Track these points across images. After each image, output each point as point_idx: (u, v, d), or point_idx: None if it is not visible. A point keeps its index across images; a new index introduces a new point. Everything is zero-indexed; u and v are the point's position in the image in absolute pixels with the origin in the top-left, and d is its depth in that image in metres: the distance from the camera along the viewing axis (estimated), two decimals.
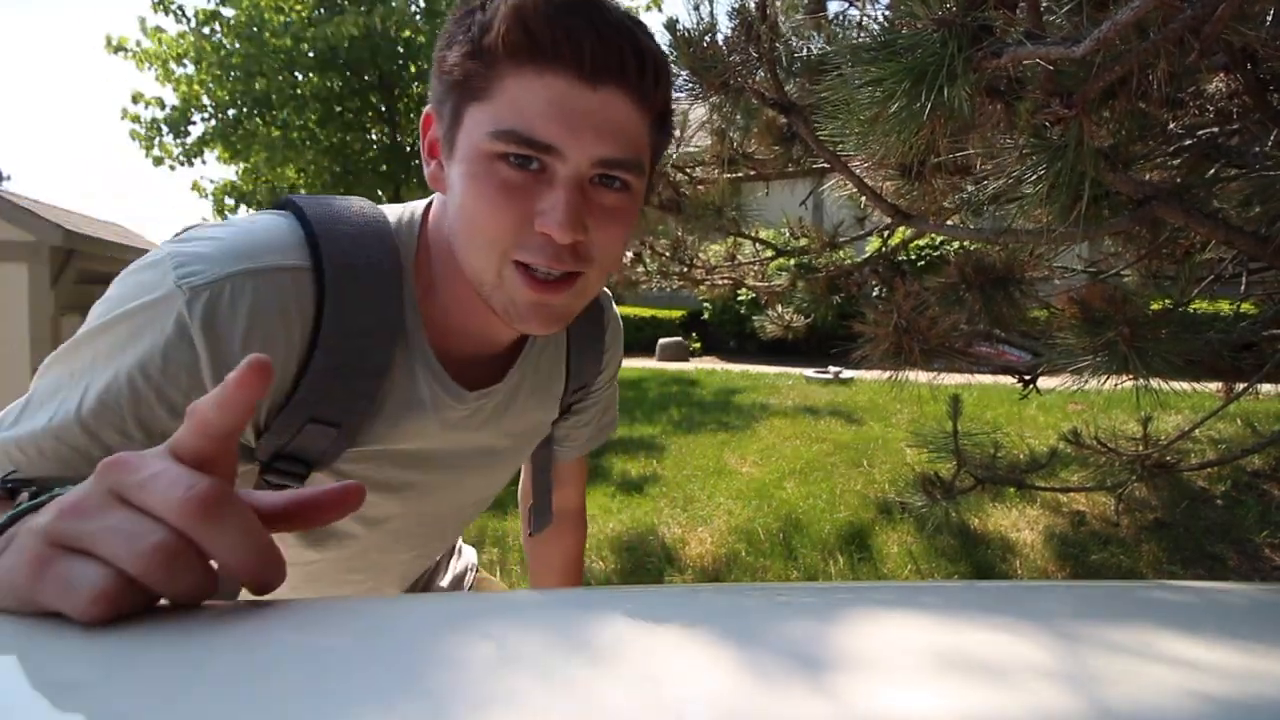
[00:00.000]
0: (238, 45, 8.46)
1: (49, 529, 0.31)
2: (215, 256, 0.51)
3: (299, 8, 8.64)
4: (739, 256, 2.42)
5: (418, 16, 8.60)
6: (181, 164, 9.12)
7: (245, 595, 0.34)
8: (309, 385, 0.55)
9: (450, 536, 0.81)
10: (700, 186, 2.09)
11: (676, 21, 1.55)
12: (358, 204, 0.60)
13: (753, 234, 2.27)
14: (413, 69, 9.04)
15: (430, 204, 0.63)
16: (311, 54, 8.40)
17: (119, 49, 8.80)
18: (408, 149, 9.65)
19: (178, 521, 0.30)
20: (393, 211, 0.62)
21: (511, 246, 0.52)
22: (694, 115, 1.95)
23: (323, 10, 8.51)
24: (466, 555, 1.04)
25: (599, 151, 0.50)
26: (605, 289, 0.81)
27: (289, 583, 0.70)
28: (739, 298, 6.75)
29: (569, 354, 0.76)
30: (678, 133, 2.03)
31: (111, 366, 0.50)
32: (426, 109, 0.58)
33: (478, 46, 0.50)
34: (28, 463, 0.50)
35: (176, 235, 0.55)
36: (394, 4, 7.97)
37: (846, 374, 5.92)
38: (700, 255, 2.45)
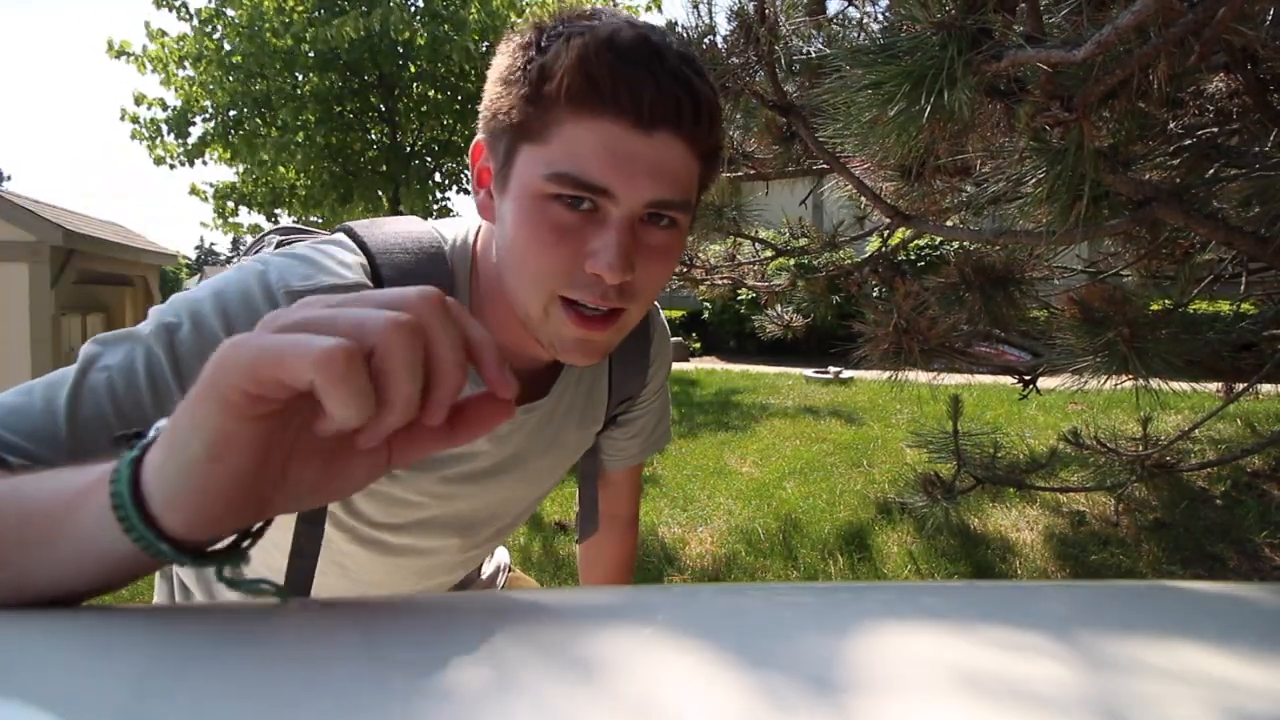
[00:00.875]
0: (238, 44, 8.46)
1: (272, 322, 0.30)
2: (303, 272, 0.54)
3: (299, 8, 8.64)
4: (739, 256, 2.42)
5: (417, 18, 8.60)
6: (182, 164, 9.12)
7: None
8: None
9: (489, 545, 0.82)
10: None
11: (675, 23, 1.55)
12: (413, 227, 0.62)
13: (753, 234, 2.27)
14: (412, 69, 9.04)
15: (480, 227, 0.64)
16: (311, 54, 8.40)
17: (121, 53, 8.80)
18: (408, 149, 9.64)
19: (420, 310, 0.30)
20: (447, 231, 0.64)
21: (561, 285, 0.53)
22: None
23: (322, 11, 8.51)
24: (498, 555, 1.05)
25: (651, 194, 0.51)
26: (655, 302, 0.82)
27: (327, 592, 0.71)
28: (739, 298, 6.74)
29: (612, 369, 0.77)
30: None
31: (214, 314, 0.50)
32: (477, 138, 0.58)
33: (536, 91, 0.51)
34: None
35: (248, 251, 0.58)
36: (392, 2, 7.96)
37: (846, 374, 5.92)
38: (700, 255, 2.45)
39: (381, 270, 0.57)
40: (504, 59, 0.54)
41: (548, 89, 0.50)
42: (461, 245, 0.63)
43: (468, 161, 0.63)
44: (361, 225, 0.60)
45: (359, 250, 0.58)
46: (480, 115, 0.58)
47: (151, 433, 0.33)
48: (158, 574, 0.87)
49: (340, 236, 0.60)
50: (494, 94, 0.55)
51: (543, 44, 0.52)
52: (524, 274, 0.54)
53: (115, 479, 0.31)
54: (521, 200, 0.52)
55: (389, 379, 0.29)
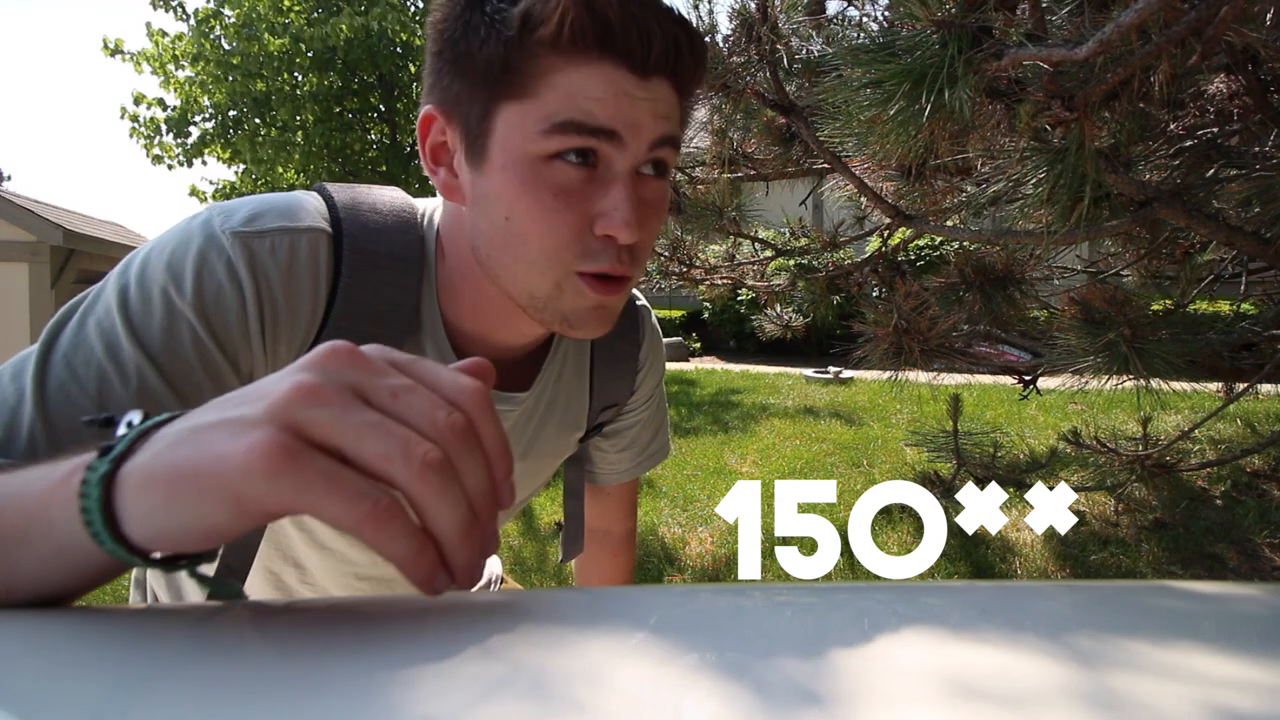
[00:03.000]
0: (236, 44, 8.47)
1: (284, 412, 0.27)
2: (255, 215, 0.51)
3: (298, 8, 8.65)
4: (739, 256, 2.42)
5: (416, 19, 8.61)
6: (181, 164, 9.13)
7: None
8: None
9: None
10: (700, 186, 2.09)
11: None
12: (387, 193, 0.59)
13: (753, 234, 2.27)
14: (411, 69, 9.06)
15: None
16: (310, 54, 8.42)
17: (116, 51, 8.81)
18: (407, 149, 9.66)
19: (442, 440, 0.28)
20: (420, 204, 0.61)
21: (575, 258, 0.49)
22: (695, 116, 1.95)
23: (320, 11, 8.53)
24: (491, 565, 1.00)
25: (654, 134, 0.48)
26: (646, 303, 0.77)
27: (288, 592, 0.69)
28: (739, 298, 6.75)
29: (594, 366, 0.71)
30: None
31: (163, 301, 0.48)
32: (425, 109, 0.52)
33: (519, 39, 0.45)
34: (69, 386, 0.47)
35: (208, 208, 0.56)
36: (390, 1, 7.98)
37: (846, 374, 5.92)
38: (700, 255, 2.45)
39: (345, 226, 0.54)
40: (460, 14, 0.48)
41: (542, 33, 0.45)
42: (430, 219, 0.59)
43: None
44: (334, 185, 0.58)
45: (323, 203, 0.55)
46: (426, 83, 0.52)
47: (122, 427, 0.32)
48: (133, 581, 0.85)
49: (308, 191, 0.57)
50: (450, 55, 0.49)
51: None
52: (529, 251, 0.49)
53: (85, 494, 0.29)
54: (515, 168, 0.47)
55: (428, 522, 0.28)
